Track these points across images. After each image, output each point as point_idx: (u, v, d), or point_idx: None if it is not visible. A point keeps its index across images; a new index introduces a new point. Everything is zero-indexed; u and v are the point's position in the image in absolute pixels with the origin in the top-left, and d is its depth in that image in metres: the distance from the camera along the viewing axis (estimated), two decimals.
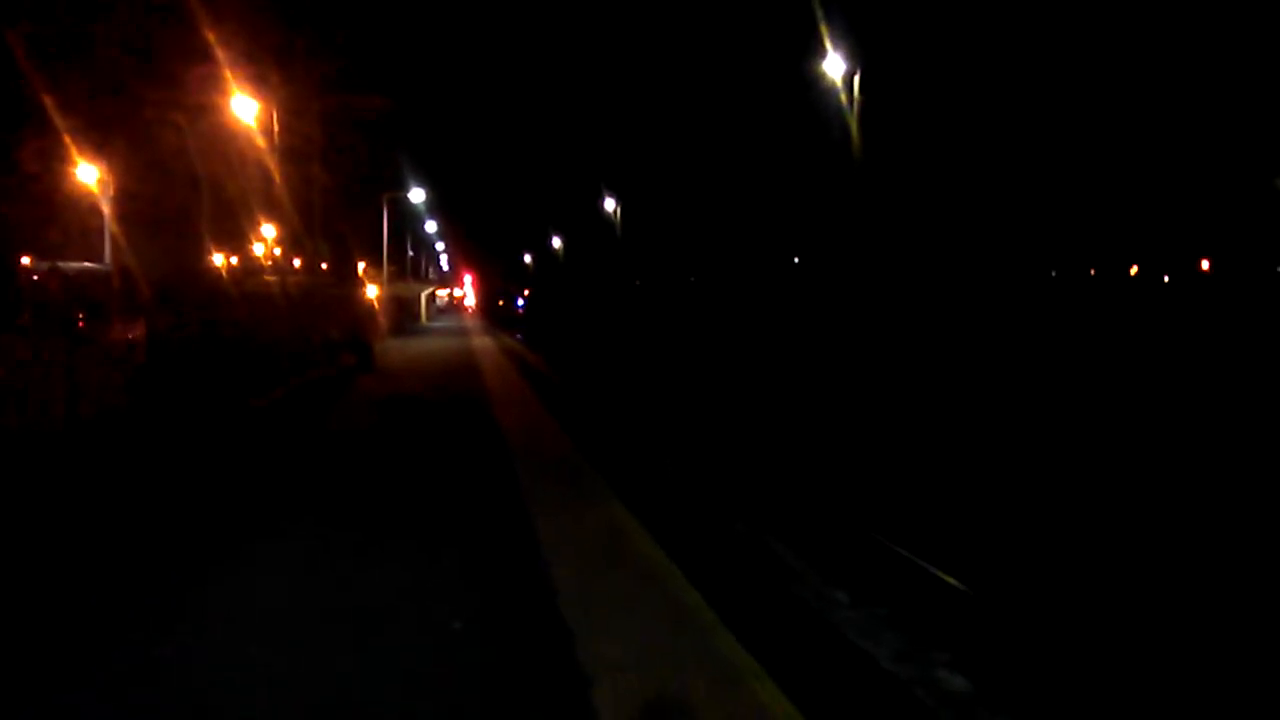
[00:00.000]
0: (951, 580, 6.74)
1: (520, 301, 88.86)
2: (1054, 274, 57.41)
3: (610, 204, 52.91)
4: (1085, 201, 51.14)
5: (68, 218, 29.13)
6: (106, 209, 32.16)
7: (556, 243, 75.82)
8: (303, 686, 4.63)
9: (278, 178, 31.77)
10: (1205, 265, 57.34)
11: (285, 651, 5.06)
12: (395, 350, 32.12)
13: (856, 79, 28.21)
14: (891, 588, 6.49)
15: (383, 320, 41.17)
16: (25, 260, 27.40)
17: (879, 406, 18.21)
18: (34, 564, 6.81)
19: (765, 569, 6.99)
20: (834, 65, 28.21)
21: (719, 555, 7.17)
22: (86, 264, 28.75)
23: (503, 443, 12.79)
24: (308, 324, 26.23)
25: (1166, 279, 55.00)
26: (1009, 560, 7.75)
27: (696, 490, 9.95)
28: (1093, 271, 55.91)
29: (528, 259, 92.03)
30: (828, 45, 27.92)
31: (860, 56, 28.47)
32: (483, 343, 41.44)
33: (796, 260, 58.85)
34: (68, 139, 24.57)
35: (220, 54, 26.70)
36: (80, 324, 17.38)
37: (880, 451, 13.54)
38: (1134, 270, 59.21)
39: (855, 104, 28.35)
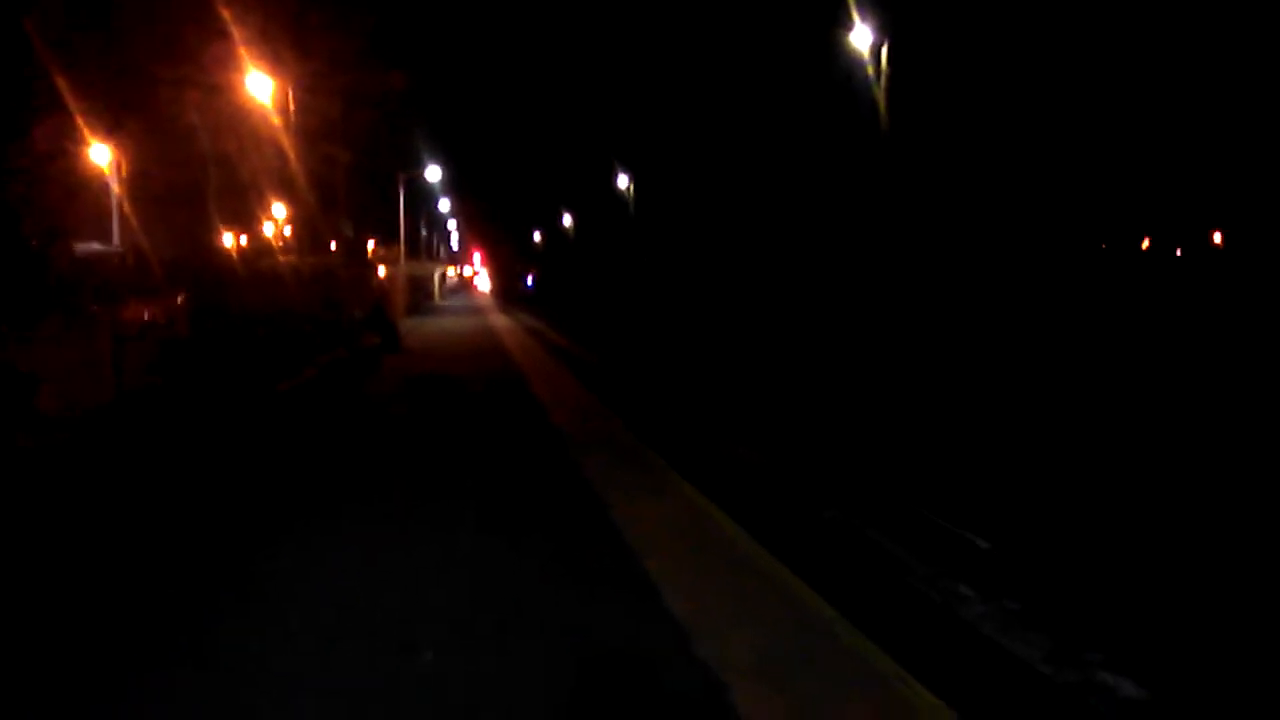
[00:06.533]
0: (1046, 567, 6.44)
1: (530, 280, 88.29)
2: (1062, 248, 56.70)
3: (624, 181, 52.32)
4: (1097, 175, 50.45)
5: (82, 199, 28.74)
6: (117, 189, 31.76)
7: (568, 220, 75.21)
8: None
9: (293, 156, 31.37)
10: (1218, 239, 56.70)
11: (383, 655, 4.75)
12: (416, 329, 31.81)
13: (884, 50, 27.61)
14: (1010, 579, 6.16)
15: (399, 299, 40.86)
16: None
17: (915, 386, 17.90)
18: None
19: (871, 560, 6.66)
20: (861, 37, 27.61)
21: (817, 545, 6.85)
22: (95, 245, 28.38)
23: (550, 423, 12.47)
24: (330, 303, 25.93)
25: (1179, 253, 54.37)
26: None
27: (768, 474, 9.60)
28: (1104, 246, 55.29)
29: (537, 237, 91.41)
30: (854, 16, 27.33)
31: (888, 27, 27.82)
32: (502, 321, 41.11)
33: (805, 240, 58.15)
34: (80, 119, 24.08)
35: (236, 31, 26.28)
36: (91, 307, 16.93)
37: (928, 429, 13.20)
38: (1145, 244, 58.56)
39: (883, 76, 27.77)
